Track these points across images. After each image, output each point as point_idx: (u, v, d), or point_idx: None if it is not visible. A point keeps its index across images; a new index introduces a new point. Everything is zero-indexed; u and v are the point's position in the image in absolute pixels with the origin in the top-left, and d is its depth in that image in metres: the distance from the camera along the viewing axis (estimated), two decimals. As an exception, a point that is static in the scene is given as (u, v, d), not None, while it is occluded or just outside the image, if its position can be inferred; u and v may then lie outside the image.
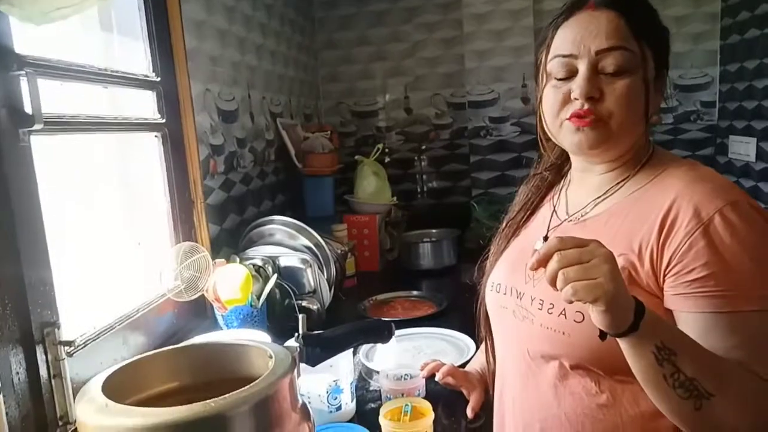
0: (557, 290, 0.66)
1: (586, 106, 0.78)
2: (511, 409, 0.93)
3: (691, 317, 0.73)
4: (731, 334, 0.70)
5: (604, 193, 0.85)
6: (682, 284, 0.72)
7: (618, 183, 0.85)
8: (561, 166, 0.97)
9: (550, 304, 0.81)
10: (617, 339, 0.68)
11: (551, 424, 0.84)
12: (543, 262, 0.67)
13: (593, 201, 0.86)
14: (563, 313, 0.79)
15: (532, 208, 0.98)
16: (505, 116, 2.81)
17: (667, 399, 0.69)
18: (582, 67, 0.78)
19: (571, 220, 0.88)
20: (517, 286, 0.89)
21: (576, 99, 0.79)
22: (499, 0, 2.72)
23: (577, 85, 0.79)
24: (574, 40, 0.80)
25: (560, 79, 0.81)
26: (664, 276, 0.74)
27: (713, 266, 0.70)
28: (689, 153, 2.67)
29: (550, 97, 0.83)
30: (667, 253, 0.73)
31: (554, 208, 0.94)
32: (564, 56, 0.80)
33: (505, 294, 0.91)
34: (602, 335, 0.68)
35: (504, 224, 1.01)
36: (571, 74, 0.80)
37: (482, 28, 2.76)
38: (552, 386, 0.83)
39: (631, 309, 0.66)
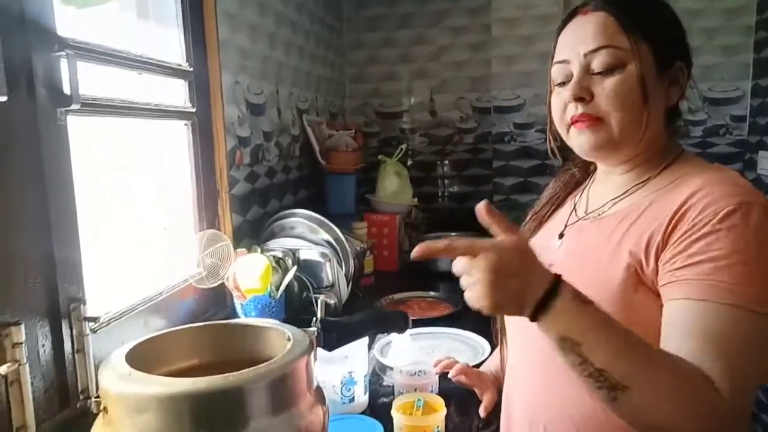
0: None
1: (579, 109, 0.80)
2: (518, 406, 0.94)
3: (667, 306, 0.71)
4: (701, 322, 0.68)
5: (624, 193, 0.86)
6: (668, 273, 0.72)
7: (638, 183, 0.85)
8: (589, 163, 0.97)
9: None
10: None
11: (556, 424, 0.85)
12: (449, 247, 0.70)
13: (612, 200, 0.87)
14: None
15: (557, 203, 1.00)
16: (530, 122, 2.80)
17: (587, 385, 0.67)
18: (574, 70, 0.81)
19: (587, 218, 0.89)
20: None
21: (569, 102, 0.81)
22: (528, 5, 2.72)
23: (567, 89, 0.81)
24: (567, 46, 0.83)
25: (560, 84, 0.84)
26: (660, 274, 0.73)
27: (699, 256, 0.69)
28: (717, 167, 2.63)
29: (554, 104, 0.86)
30: (668, 246, 0.73)
31: (575, 205, 0.95)
32: (560, 62, 0.84)
33: None
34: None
35: (529, 217, 1.02)
36: (567, 79, 0.82)
37: (510, 33, 2.76)
38: (557, 385, 0.84)
39: (522, 307, 0.65)
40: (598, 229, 0.85)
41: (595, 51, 0.79)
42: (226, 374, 0.64)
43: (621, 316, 0.73)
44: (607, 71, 0.79)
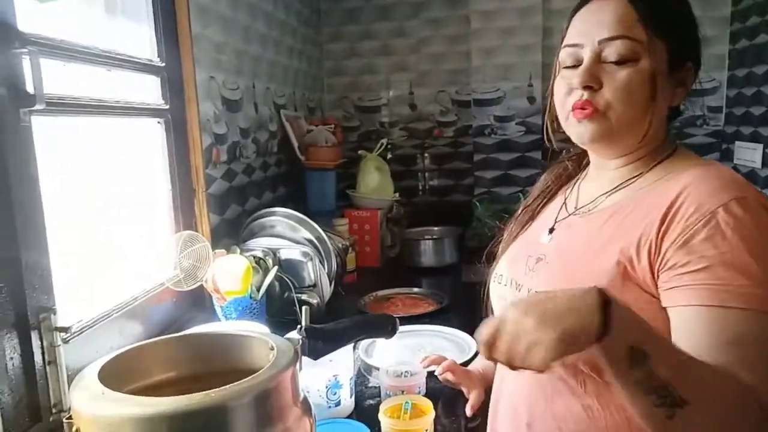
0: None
1: (584, 96, 0.78)
2: (504, 404, 0.93)
3: (680, 312, 0.69)
4: (719, 331, 0.66)
5: (615, 188, 0.84)
6: (673, 278, 0.69)
7: (630, 179, 0.83)
8: (582, 157, 0.96)
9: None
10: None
11: (538, 422, 0.83)
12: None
13: (603, 195, 0.85)
14: None
15: (549, 196, 0.98)
16: (510, 115, 2.79)
17: (641, 405, 0.65)
18: (585, 56, 0.78)
19: (577, 213, 0.88)
20: (517, 278, 0.89)
21: (576, 88, 0.79)
22: (507, -3, 2.70)
23: (576, 74, 0.78)
24: (580, 30, 0.80)
25: (567, 68, 0.81)
26: (659, 272, 0.71)
27: (708, 260, 0.67)
28: (694, 157, 2.65)
29: (558, 88, 0.83)
30: (664, 246, 0.71)
31: (565, 200, 0.93)
32: (571, 46, 0.80)
33: (505, 285, 0.91)
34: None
35: (520, 210, 1.01)
36: (578, 63, 0.80)
37: (490, 26, 2.73)
38: (542, 385, 0.82)
39: (592, 318, 0.59)
40: (588, 225, 0.83)
41: (610, 39, 0.76)
42: (206, 391, 0.61)
43: None
44: (620, 62, 0.76)
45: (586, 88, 0.77)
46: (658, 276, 0.72)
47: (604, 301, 0.60)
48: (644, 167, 0.83)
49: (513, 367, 0.62)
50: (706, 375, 0.64)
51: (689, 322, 0.68)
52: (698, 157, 0.83)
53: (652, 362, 0.61)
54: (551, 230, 0.89)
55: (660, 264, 0.71)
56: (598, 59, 0.77)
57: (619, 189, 0.83)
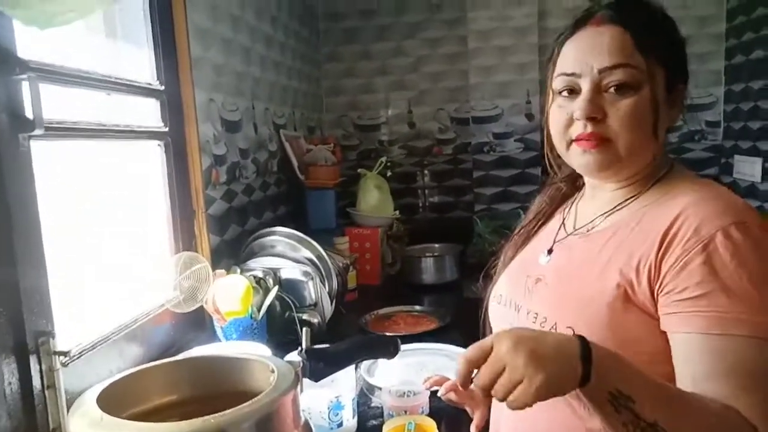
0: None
1: (589, 128, 0.76)
2: (506, 424, 0.91)
3: (680, 338, 0.69)
4: (719, 359, 0.66)
5: (613, 208, 0.83)
6: (673, 303, 0.69)
7: (628, 199, 0.82)
8: (576, 177, 0.95)
9: (543, 318, 0.80)
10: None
11: None
12: (466, 381, 0.65)
13: (602, 215, 0.84)
14: (554, 327, 0.77)
15: (544, 218, 0.97)
16: (509, 132, 2.81)
17: None
18: (585, 86, 0.77)
19: (576, 234, 0.87)
20: (516, 299, 0.88)
21: (578, 120, 0.77)
22: (505, 17, 2.73)
23: (578, 106, 0.76)
24: (576, 58, 0.78)
25: (565, 97, 0.80)
26: (658, 295, 0.71)
27: (707, 285, 0.67)
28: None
29: (555, 117, 0.82)
30: (663, 270, 0.70)
31: (563, 220, 0.92)
32: (567, 75, 0.79)
33: (505, 306, 0.90)
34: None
35: (516, 231, 1.00)
36: (575, 93, 0.78)
37: (487, 45, 2.76)
38: (544, 406, 0.80)
39: (575, 367, 0.61)
40: (587, 246, 0.82)
41: (611, 68, 0.75)
42: (207, 416, 0.60)
43: (610, 335, 0.72)
44: (622, 91, 0.75)
45: (590, 119, 0.76)
46: (657, 299, 0.71)
47: (587, 351, 0.62)
48: (641, 187, 0.82)
49: (486, 394, 0.63)
50: (698, 410, 0.65)
51: (688, 349, 0.68)
52: (695, 175, 0.82)
53: (637, 405, 0.62)
54: (550, 251, 0.89)
55: (659, 287, 0.71)
56: (598, 89, 0.76)
57: (618, 209, 0.83)
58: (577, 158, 0.80)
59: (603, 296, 0.73)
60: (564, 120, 0.79)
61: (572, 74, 0.78)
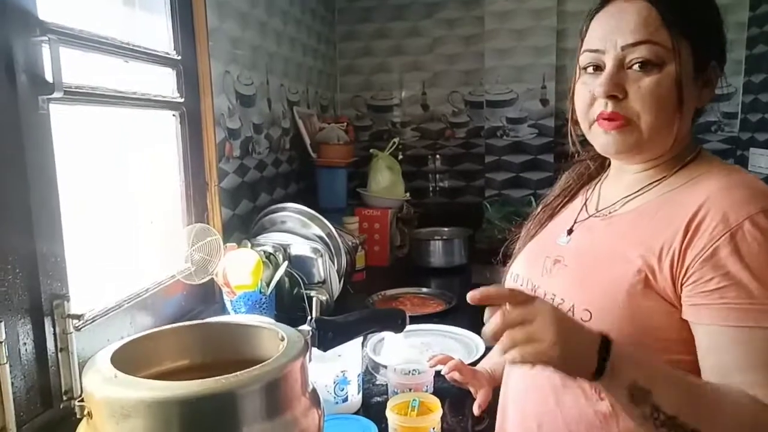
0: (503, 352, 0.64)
1: (610, 107, 0.75)
2: (513, 405, 0.92)
3: (706, 330, 0.68)
4: (748, 351, 0.66)
5: (636, 192, 0.81)
6: (700, 294, 0.68)
7: (652, 182, 0.80)
8: (604, 157, 0.92)
9: (561, 299, 0.79)
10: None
11: (549, 426, 0.82)
12: (488, 299, 0.66)
13: (624, 198, 0.82)
14: (571, 309, 0.77)
15: (569, 196, 0.96)
16: (523, 117, 2.78)
17: None
18: (608, 63, 0.75)
19: (598, 216, 0.85)
20: (534, 279, 0.87)
21: (599, 98, 0.76)
22: (523, -1, 2.69)
23: (599, 83, 0.75)
24: (602, 34, 0.77)
25: (590, 74, 0.78)
26: (682, 284, 0.70)
27: (735, 276, 0.65)
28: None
29: (579, 95, 0.80)
30: (688, 259, 0.69)
31: (586, 201, 0.91)
32: (592, 51, 0.77)
33: (522, 286, 0.89)
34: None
35: (539, 208, 0.98)
36: (600, 70, 0.77)
37: (504, 27, 2.73)
38: (553, 387, 0.81)
39: (592, 356, 0.63)
40: (609, 229, 0.81)
41: (634, 45, 0.73)
42: (218, 377, 0.61)
43: (627, 321, 0.71)
44: (645, 69, 0.73)
45: (610, 97, 0.74)
46: (681, 288, 0.70)
47: (605, 348, 0.64)
48: (667, 171, 0.80)
49: (494, 341, 0.65)
50: (719, 402, 0.65)
51: (716, 341, 0.68)
52: (721, 161, 0.80)
53: (656, 398, 0.63)
54: (570, 231, 0.88)
55: (684, 276, 0.70)
56: (621, 66, 0.74)
57: (641, 193, 0.81)
58: (599, 138, 0.79)
59: (623, 281, 0.73)
60: (587, 98, 0.78)
61: (596, 51, 0.77)
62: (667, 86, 0.73)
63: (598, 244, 0.81)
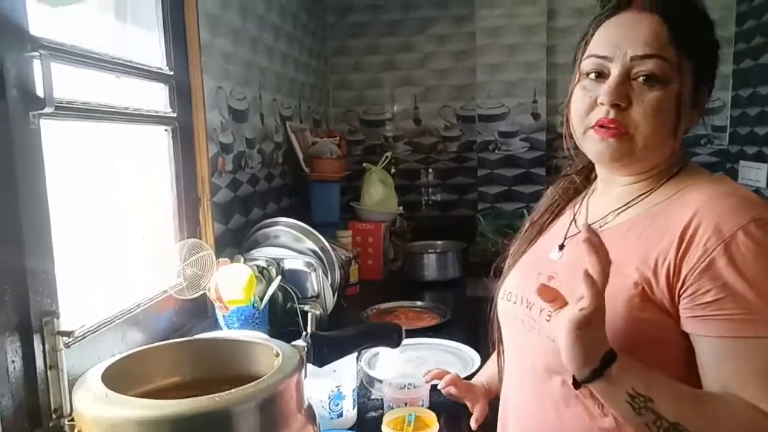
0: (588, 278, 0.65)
1: (611, 114, 0.74)
2: (514, 423, 0.91)
3: (705, 342, 0.69)
4: (746, 361, 0.66)
5: (625, 205, 0.81)
6: (698, 306, 0.68)
7: (641, 195, 0.81)
8: (590, 171, 0.93)
9: (548, 312, 0.78)
10: (590, 387, 0.68)
11: None
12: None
13: (614, 211, 0.82)
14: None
15: (556, 212, 0.95)
16: (515, 131, 2.80)
17: None
18: (614, 71, 0.75)
19: None
20: (528, 296, 0.86)
21: (602, 104, 0.76)
22: (513, 15, 2.72)
23: (604, 91, 0.75)
24: (611, 41, 0.77)
25: (592, 80, 0.78)
26: (680, 296, 0.70)
27: (732, 287, 0.66)
28: (698, 176, 2.65)
29: (578, 99, 0.80)
30: (683, 271, 0.69)
31: (574, 215, 0.91)
32: (598, 57, 0.77)
33: (515, 303, 0.89)
34: (575, 384, 0.69)
35: (527, 225, 0.98)
36: (603, 77, 0.77)
37: (495, 42, 2.76)
38: (555, 404, 0.80)
39: (600, 352, 0.66)
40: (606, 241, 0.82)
41: (644, 57, 0.73)
42: (211, 395, 0.60)
43: (624, 333, 0.71)
44: (649, 82, 0.73)
45: (614, 106, 0.74)
46: (678, 300, 0.70)
47: (611, 356, 0.66)
48: (654, 183, 0.80)
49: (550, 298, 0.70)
50: (720, 408, 0.66)
51: (716, 353, 0.68)
52: (707, 173, 0.81)
53: (657, 405, 0.65)
54: (561, 247, 0.87)
55: (680, 289, 0.70)
56: (627, 76, 0.74)
57: (631, 205, 0.81)
58: (593, 145, 0.78)
59: (620, 295, 0.72)
60: (587, 103, 0.78)
61: (603, 57, 0.76)
62: (668, 103, 0.74)
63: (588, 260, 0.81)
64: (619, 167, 0.81)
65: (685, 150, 0.83)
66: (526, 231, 0.97)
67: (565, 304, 0.70)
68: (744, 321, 0.66)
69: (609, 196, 0.85)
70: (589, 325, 0.64)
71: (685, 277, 0.69)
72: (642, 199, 0.80)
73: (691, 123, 0.79)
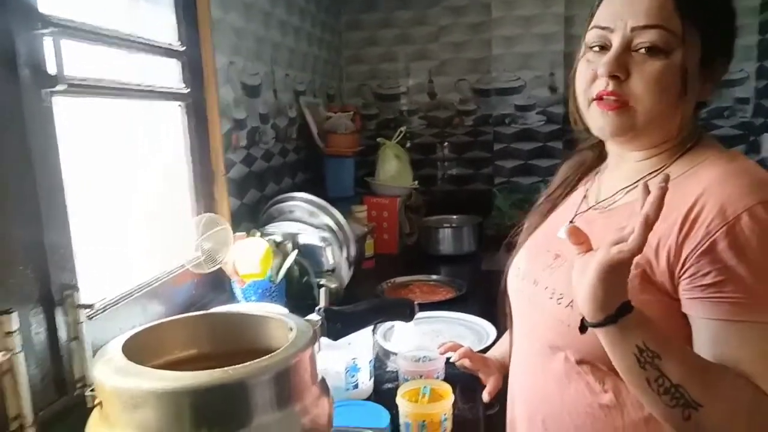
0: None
1: (610, 86, 0.73)
2: (519, 398, 0.92)
3: (704, 324, 0.68)
4: (743, 345, 0.65)
5: (635, 182, 0.79)
6: (697, 288, 0.67)
7: (651, 172, 0.78)
8: (602, 146, 0.91)
9: (560, 294, 0.79)
10: (597, 332, 0.66)
11: (554, 419, 0.83)
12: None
13: (623, 189, 0.81)
14: (571, 304, 0.76)
15: (570, 187, 0.95)
16: (531, 104, 2.76)
17: (655, 404, 0.66)
18: (615, 42, 0.73)
19: (597, 208, 0.84)
20: (535, 274, 0.86)
21: (601, 76, 0.74)
22: (530, -16, 2.66)
23: (603, 62, 0.73)
24: (614, 12, 0.75)
25: (595, 52, 0.77)
26: (680, 278, 0.69)
27: (732, 271, 0.64)
28: (720, 148, 2.59)
29: (581, 72, 0.79)
30: (684, 252, 0.68)
31: (586, 192, 0.90)
32: (601, 28, 0.76)
33: (523, 279, 0.89)
34: (582, 327, 0.68)
35: (541, 199, 0.98)
36: (605, 49, 0.75)
37: (511, 14, 2.70)
38: (557, 380, 0.81)
39: (618, 300, 0.64)
40: (607, 222, 0.80)
41: (644, 28, 0.71)
42: (228, 368, 0.61)
43: None
44: (652, 53, 0.72)
45: (612, 77, 0.73)
46: (678, 281, 0.69)
47: (624, 307, 0.65)
48: (667, 160, 0.78)
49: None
50: (723, 380, 0.65)
51: (714, 335, 0.67)
52: (721, 149, 0.77)
53: (664, 363, 0.64)
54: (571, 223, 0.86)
55: (680, 270, 0.69)
56: (628, 47, 0.73)
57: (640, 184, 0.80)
58: (596, 119, 0.77)
59: None
60: (589, 75, 0.76)
61: (605, 28, 0.75)
62: (671, 74, 0.72)
63: (597, 237, 0.77)
64: (622, 142, 0.80)
65: (697, 124, 0.80)
66: (540, 205, 0.97)
67: (590, 249, 0.69)
68: (743, 305, 0.64)
69: (620, 172, 0.84)
70: (621, 268, 0.63)
71: (686, 258, 0.68)
72: (653, 177, 0.78)
73: (703, 96, 0.77)
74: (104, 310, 1.09)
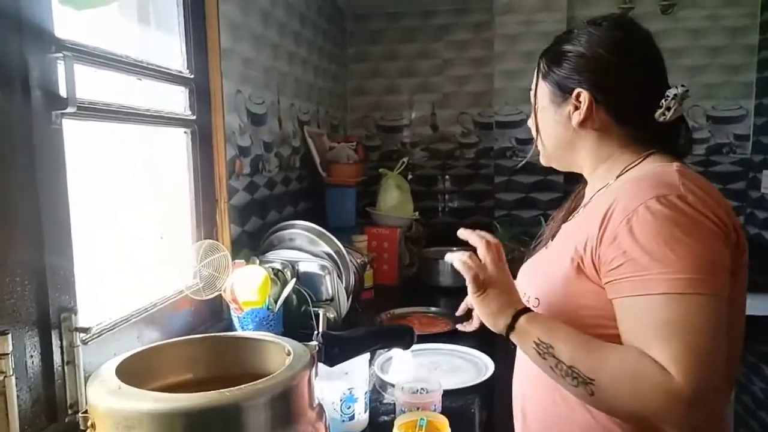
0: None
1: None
2: (521, 402, 1.02)
3: (615, 304, 0.79)
4: (640, 316, 0.75)
5: (590, 199, 0.95)
6: (608, 273, 0.79)
7: (599, 189, 0.93)
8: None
9: (524, 292, 0.94)
10: (511, 338, 0.84)
11: (530, 407, 0.97)
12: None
13: (582, 206, 0.98)
14: (528, 299, 0.93)
15: (570, 213, 1.05)
16: (532, 138, 2.77)
17: (567, 388, 0.79)
18: None
19: (568, 221, 1.00)
20: (524, 288, 0.98)
21: None
22: (531, 21, 2.72)
23: None
24: None
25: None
26: (599, 268, 0.81)
27: (630, 253, 0.75)
28: (720, 186, 2.61)
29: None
30: (601, 247, 0.80)
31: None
32: None
33: (523, 294, 0.99)
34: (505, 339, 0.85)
35: (547, 228, 1.08)
36: None
37: (513, 49, 2.75)
38: (552, 386, 0.87)
39: (509, 312, 0.83)
40: (565, 231, 0.96)
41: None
42: (222, 390, 0.60)
43: (565, 302, 0.86)
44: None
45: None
46: (599, 271, 0.81)
47: (518, 314, 0.84)
48: (610, 177, 0.91)
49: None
50: (606, 352, 0.76)
51: (621, 312, 0.78)
52: (664, 164, 0.86)
53: (555, 351, 0.78)
54: (552, 237, 1.02)
55: (598, 262, 0.81)
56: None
57: (592, 199, 0.94)
58: None
59: (561, 271, 0.87)
60: None
61: None
62: (540, 119, 0.98)
63: (555, 244, 0.97)
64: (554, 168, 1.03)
65: (644, 145, 0.90)
66: (550, 224, 1.08)
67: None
68: (639, 281, 0.75)
69: (586, 195, 1.00)
70: (485, 301, 0.86)
71: (602, 252, 0.80)
72: (601, 192, 0.92)
73: (568, 120, 0.92)
74: (100, 335, 1.08)
